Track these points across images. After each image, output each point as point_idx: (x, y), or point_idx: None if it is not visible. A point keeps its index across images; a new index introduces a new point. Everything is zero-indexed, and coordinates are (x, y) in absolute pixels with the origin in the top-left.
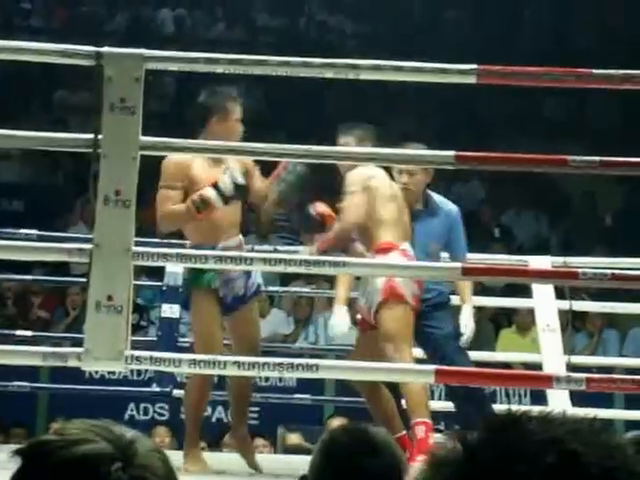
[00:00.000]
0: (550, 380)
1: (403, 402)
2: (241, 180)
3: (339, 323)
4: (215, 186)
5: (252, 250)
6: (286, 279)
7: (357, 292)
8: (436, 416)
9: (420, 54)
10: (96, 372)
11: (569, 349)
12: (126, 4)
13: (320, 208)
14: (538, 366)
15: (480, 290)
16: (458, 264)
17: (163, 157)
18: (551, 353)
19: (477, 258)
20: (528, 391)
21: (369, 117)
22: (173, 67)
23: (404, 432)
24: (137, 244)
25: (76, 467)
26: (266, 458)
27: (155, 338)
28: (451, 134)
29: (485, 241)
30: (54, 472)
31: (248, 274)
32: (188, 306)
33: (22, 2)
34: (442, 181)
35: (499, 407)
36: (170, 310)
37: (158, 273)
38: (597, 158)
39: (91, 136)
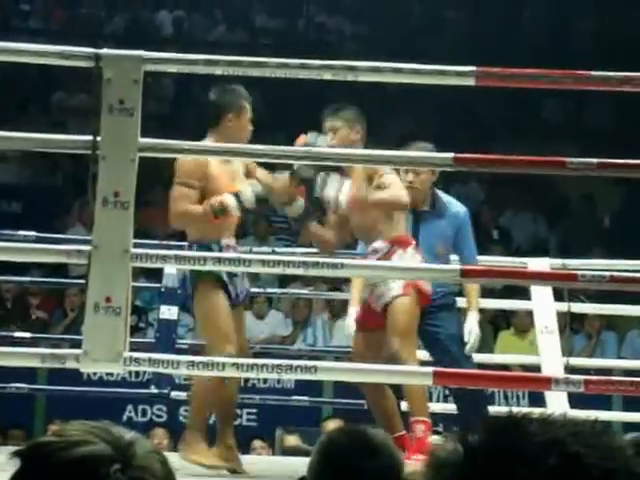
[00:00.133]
0: (548, 382)
1: (403, 404)
2: (263, 193)
3: (354, 324)
4: (236, 195)
5: (250, 252)
6: (284, 281)
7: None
8: (435, 418)
9: (419, 56)
10: (94, 374)
11: (567, 351)
12: (125, 6)
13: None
14: (536, 368)
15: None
16: (457, 266)
17: (162, 159)
18: (549, 355)
19: None
20: (526, 393)
21: (368, 118)
22: (172, 69)
23: (404, 432)
24: (136, 246)
25: (75, 468)
26: (264, 460)
27: (153, 340)
28: (449, 136)
29: (484, 243)
30: (53, 473)
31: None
32: (188, 307)
33: (21, 3)
34: (440, 183)
35: (497, 409)
36: (168, 312)
37: (156, 275)
38: (595, 160)
39: (90, 138)
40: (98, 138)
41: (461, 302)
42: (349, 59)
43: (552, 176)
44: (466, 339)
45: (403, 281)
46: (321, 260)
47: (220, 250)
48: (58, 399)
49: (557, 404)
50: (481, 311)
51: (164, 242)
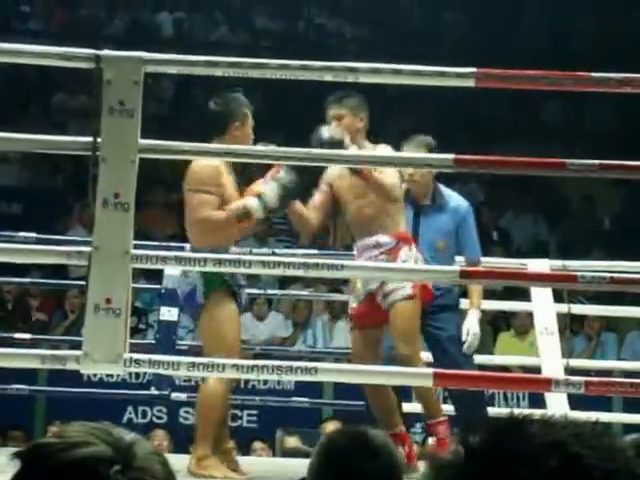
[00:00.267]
0: (549, 383)
1: (406, 405)
2: (283, 193)
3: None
4: (259, 197)
5: (250, 253)
6: (285, 282)
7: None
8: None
9: (418, 57)
10: (94, 375)
11: (567, 352)
12: (125, 7)
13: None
14: (537, 369)
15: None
16: (456, 267)
17: (162, 160)
18: (549, 356)
19: None
20: (526, 394)
21: (368, 119)
22: (172, 70)
23: (403, 429)
24: (136, 247)
25: (75, 470)
26: (265, 461)
27: (153, 341)
28: (449, 137)
29: (483, 244)
30: (53, 475)
31: None
32: (193, 316)
33: (21, 5)
34: (440, 183)
35: (497, 410)
36: (169, 313)
37: (157, 276)
38: (596, 161)
39: (90, 139)
40: (98, 139)
41: (465, 303)
42: (349, 61)
43: (552, 177)
44: (464, 338)
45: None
46: (321, 261)
47: None
48: (58, 400)
49: (557, 405)
50: (481, 312)
51: (164, 243)
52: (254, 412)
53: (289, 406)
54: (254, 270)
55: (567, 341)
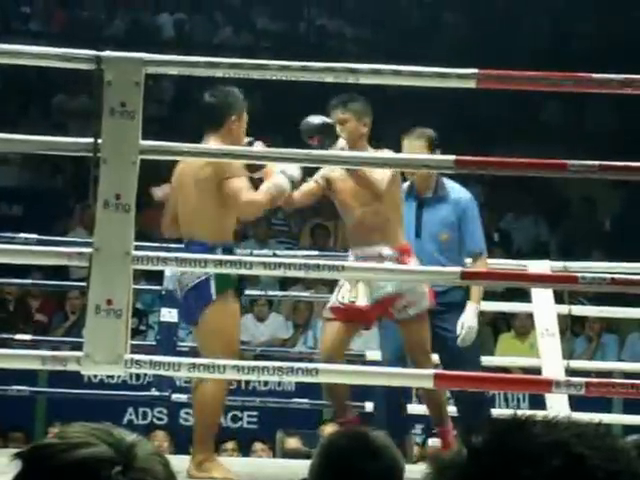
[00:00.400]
0: (549, 384)
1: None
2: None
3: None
4: (282, 173)
5: (251, 254)
6: (285, 283)
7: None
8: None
9: (419, 58)
10: (95, 376)
11: (568, 353)
12: (125, 8)
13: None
14: (537, 370)
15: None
16: (457, 268)
17: (163, 161)
18: (550, 357)
19: None
20: (527, 395)
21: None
22: (173, 71)
23: (350, 417)
24: (137, 248)
25: (76, 471)
26: (265, 462)
27: (154, 342)
28: (449, 138)
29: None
30: (54, 475)
31: None
32: (191, 317)
33: (21, 6)
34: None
35: (498, 411)
36: (169, 314)
37: (157, 277)
38: (596, 162)
39: (91, 140)
40: (99, 141)
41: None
42: (350, 62)
43: (552, 179)
44: (458, 331)
45: (427, 288)
46: (322, 263)
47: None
48: (59, 402)
49: (558, 406)
50: (482, 313)
51: (164, 244)
52: (254, 413)
53: (289, 407)
54: (255, 271)
55: (567, 342)
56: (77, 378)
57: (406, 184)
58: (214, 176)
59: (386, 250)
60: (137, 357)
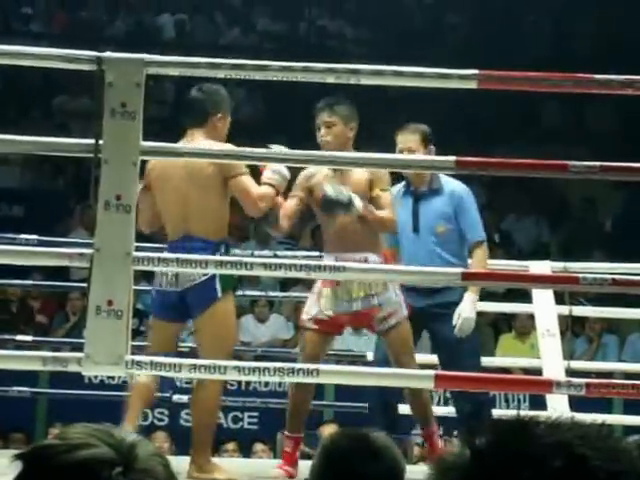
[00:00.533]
0: (550, 385)
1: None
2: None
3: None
4: (273, 171)
5: (252, 255)
6: (286, 284)
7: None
8: (435, 421)
9: (419, 59)
10: (96, 377)
11: (568, 354)
12: (126, 9)
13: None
14: (538, 371)
15: (480, 295)
16: (458, 269)
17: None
18: (551, 358)
19: None
20: (527, 396)
21: (369, 121)
22: (174, 72)
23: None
24: (137, 249)
25: (77, 471)
26: (266, 463)
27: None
28: (449, 139)
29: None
30: (55, 476)
31: None
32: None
33: (22, 7)
34: None
35: (499, 412)
36: None
37: None
38: (597, 163)
39: (92, 141)
40: (100, 141)
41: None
42: (350, 62)
43: (553, 179)
44: (454, 322)
45: (400, 298)
46: (322, 263)
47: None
48: (59, 403)
49: (558, 407)
50: (482, 314)
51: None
52: (255, 414)
53: None
54: (256, 272)
55: (568, 343)
56: (78, 379)
57: (401, 184)
58: (218, 173)
59: (372, 257)
60: (138, 358)
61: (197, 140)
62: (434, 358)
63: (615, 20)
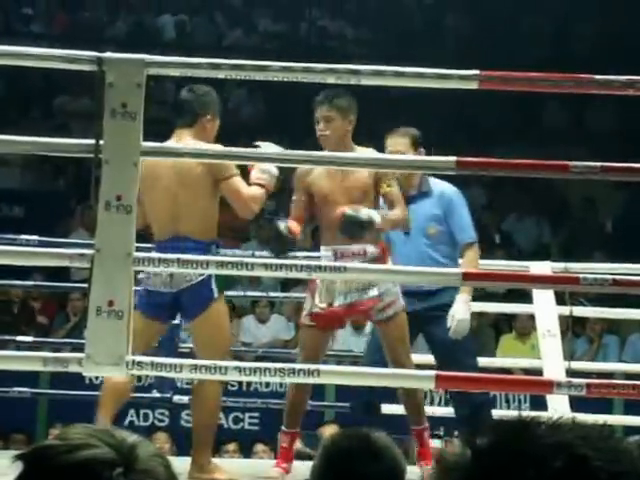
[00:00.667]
0: (551, 385)
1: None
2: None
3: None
4: (262, 170)
5: (253, 256)
6: (287, 285)
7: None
8: (436, 422)
9: (420, 60)
10: (96, 377)
11: (569, 354)
12: (127, 10)
13: (289, 224)
14: (538, 371)
15: (481, 296)
16: (458, 270)
17: None
18: (551, 358)
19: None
20: (528, 397)
21: (370, 121)
22: (175, 72)
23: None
24: (138, 249)
25: (78, 472)
26: (267, 464)
27: (156, 344)
28: (450, 139)
29: (486, 247)
30: (55, 477)
31: None
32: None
33: (23, 7)
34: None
35: (499, 413)
36: None
37: None
38: (598, 164)
39: (92, 141)
40: (101, 142)
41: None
42: (351, 63)
43: (553, 180)
44: (448, 324)
45: (398, 288)
46: (323, 264)
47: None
48: (60, 403)
49: (559, 407)
50: (483, 315)
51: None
52: (256, 414)
53: None
54: (256, 272)
55: (569, 343)
56: (78, 380)
57: None
58: (207, 174)
59: (371, 248)
60: (138, 358)
61: (184, 140)
62: (432, 358)
63: (615, 21)
